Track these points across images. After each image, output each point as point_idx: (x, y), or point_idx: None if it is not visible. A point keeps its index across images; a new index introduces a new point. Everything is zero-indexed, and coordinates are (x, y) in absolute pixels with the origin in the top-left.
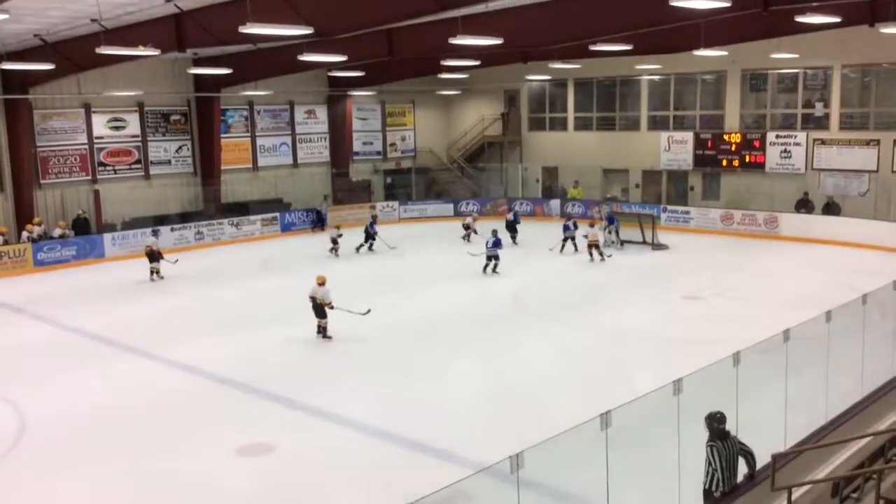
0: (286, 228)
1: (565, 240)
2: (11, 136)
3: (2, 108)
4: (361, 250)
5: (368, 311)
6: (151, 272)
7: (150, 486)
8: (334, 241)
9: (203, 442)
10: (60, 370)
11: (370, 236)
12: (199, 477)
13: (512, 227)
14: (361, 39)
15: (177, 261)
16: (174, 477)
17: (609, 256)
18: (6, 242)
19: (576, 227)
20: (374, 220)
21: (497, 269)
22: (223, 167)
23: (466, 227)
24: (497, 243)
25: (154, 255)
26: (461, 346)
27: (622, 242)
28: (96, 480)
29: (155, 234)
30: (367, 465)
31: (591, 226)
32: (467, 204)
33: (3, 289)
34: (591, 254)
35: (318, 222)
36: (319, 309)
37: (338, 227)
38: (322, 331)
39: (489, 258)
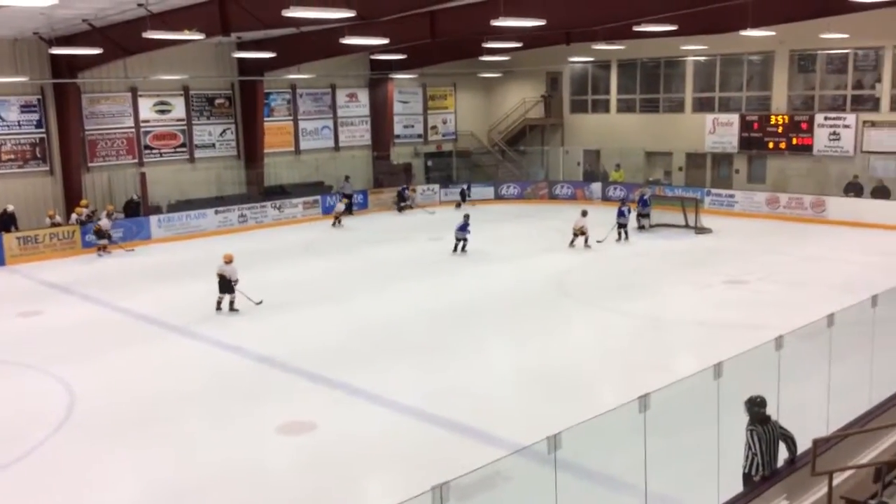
0: (327, 211)
1: (621, 227)
2: (61, 120)
3: (51, 92)
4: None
5: (260, 301)
6: (101, 248)
7: (193, 464)
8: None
9: (246, 420)
10: (108, 349)
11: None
12: (242, 454)
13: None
14: (403, 22)
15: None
16: (217, 454)
17: (599, 242)
18: (56, 224)
19: (630, 212)
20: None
21: (465, 249)
22: (266, 150)
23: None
24: (463, 227)
25: (102, 234)
26: (502, 328)
27: (650, 226)
28: (141, 457)
29: (109, 216)
30: (405, 444)
31: (584, 214)
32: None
33: (53, 269)
34: (584, 242)
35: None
36: (226, 284)
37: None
38: (231, 304)
39: (459, 240)
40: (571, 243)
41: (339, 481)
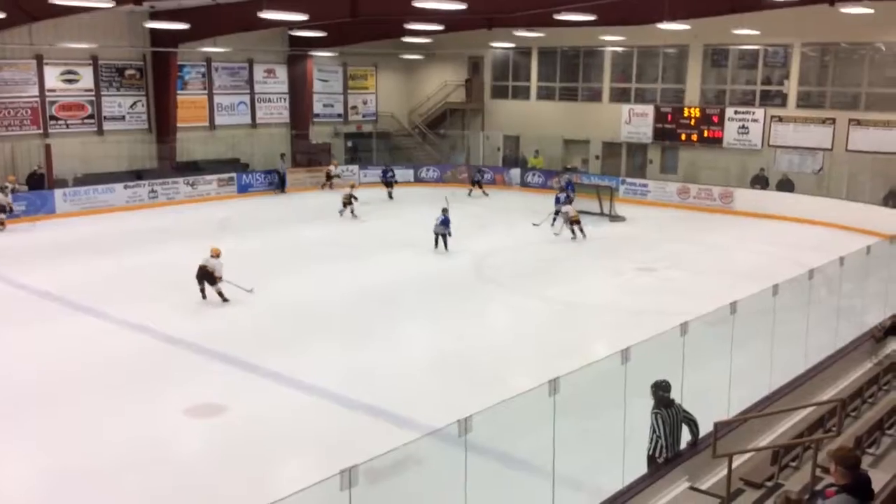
0: (243, 189)
1: (557, 213)
2: None
3: None
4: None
5: (252, 289)
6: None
7: (97, 446)
8: (348, 202)
9: (152, 402)
10: (6, 327)
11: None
12: (147, 436)
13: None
14: None
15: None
16: (121, 437)
17: (535, 225)
18: None
19: (570, 200)
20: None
21: (447, 246)
22: (179, 125)
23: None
24: (445, 221)
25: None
26: (419, 313)
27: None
28: (41, 440)
29: (2, 190)
30: (319, 427)
31: (570, 201)
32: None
33: None
34: (573, 231)
35: (280, 184)
36: (208, 276)
37: (352, 186)
38: (220, 294)
39: (438, 235)
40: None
41: (248, 464)
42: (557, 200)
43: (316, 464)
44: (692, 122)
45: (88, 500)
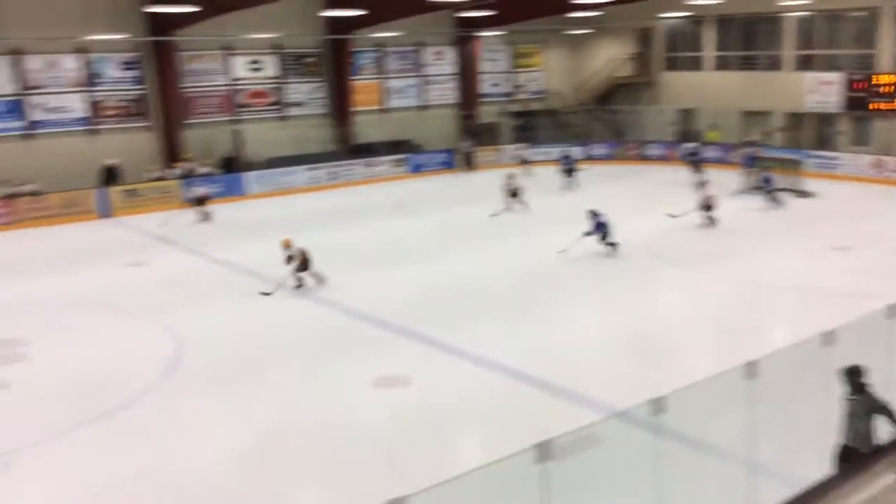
0: (416, 170)
1: (769, 192)
2: (160, 77)
3: (150, 50)
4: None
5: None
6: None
7: (291, 415)
8: (515, 193)
9: (342, 373)
10: (211, 301)
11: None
12: (339, 406)
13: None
14: None
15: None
16: (315, 405)
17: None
18: (158, 179)
19: (768, 180)
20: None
21: (611, 243)
22: (354, 109)
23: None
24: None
25: (202, 200)
26: (592, 290)
27: (770, 191)
28: (240, 407)
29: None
30: (498, 402)
31: (702, 185)
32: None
33: (156, 222)
34: (710, 219)
35: (467, 162)
36: (304, 262)
37: (510, 176)
38: (301, 280)
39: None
40: (710, 219)
41: (433, 435)
42: (767, 180)
43: (499, 437)
44: (886, 89)
45: (284, 468)
